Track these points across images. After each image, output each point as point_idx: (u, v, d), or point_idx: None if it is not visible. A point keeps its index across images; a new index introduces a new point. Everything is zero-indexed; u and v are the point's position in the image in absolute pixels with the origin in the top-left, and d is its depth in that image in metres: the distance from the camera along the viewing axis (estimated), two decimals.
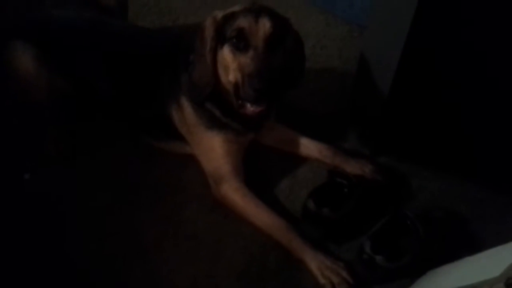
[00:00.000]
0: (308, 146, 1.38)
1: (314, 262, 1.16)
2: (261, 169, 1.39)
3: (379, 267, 1.13)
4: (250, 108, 1.16)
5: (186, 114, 1.28)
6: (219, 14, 1.18)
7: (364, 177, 1.31)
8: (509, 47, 1.22)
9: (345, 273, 1.15)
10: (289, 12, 1.67)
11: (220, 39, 1.17)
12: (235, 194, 1.26)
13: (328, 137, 1.43)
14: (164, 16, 1.88)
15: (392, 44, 1.14)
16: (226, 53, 1.16)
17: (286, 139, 1.41)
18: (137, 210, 1.31)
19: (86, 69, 1.38)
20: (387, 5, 1.10)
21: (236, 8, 1.18)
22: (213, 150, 1.28)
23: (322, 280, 1.15)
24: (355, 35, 1.79)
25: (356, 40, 1.75)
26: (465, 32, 1.21)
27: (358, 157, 1.36)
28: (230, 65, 1.16)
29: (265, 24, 1.13)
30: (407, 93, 1.29)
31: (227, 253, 1.23)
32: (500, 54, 1.25)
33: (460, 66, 1.27)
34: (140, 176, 1.38)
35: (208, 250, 1.24)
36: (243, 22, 1.13)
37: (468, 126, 1.39)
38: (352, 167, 1.32)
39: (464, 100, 1.33)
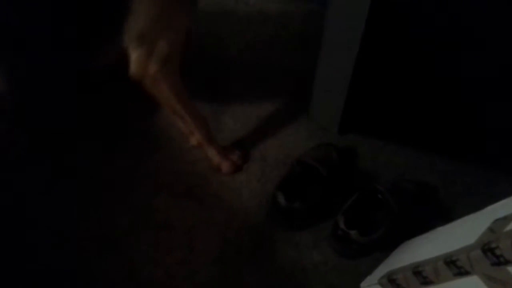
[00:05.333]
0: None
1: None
2: None
3: (354, 242, 1.14)
4: None
5: None
6: None
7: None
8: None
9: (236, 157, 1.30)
10: None
11: None
12: (170, 78, 1.13)
13: (291, 116, 1.43)
14: None
15: (355, 18, 1.12)
16: None
17: None
18: (106, 202, 1.27)
19: None
20: None
21: None
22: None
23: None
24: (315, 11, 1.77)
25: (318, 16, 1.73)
26: None
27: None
28: None
29: None
30: (372, 68, 1.29)
31: (201, 239, 1.22)
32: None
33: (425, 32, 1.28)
34: (106, 166, 1.33)
35: (181, 238, 1.22)
36: None
37: (433, 98, 1.41)
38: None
39: (429, 69, 1.34)
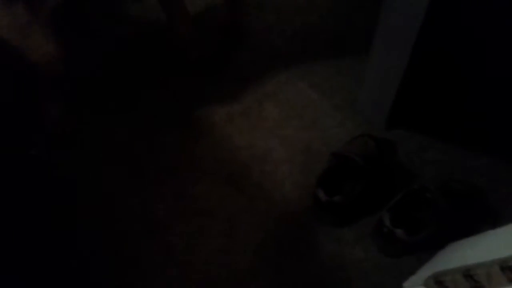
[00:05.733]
0: None
1: None
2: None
3: (399, 241, 1.11)
4: None
5: None
6: None
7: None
8: None
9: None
10: None
11: None
12: None
13: (337, 107, 1.39)
14: None
15: (414, 9, 1.08)
16: None
17: None
18: (148, 185, 1.28)
19: None
20: None
21: None
22: None
23: None
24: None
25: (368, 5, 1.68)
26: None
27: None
28: None
29: None
30: (426, 63, 1.24)
31: (242, 229, 1.20)
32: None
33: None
34: (150, 151, 1.34)
35: (221, 226, 1.21)
36: None
37: (481, 101, 1.35)
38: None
39: (484, 68, 1.28)
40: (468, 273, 0.85)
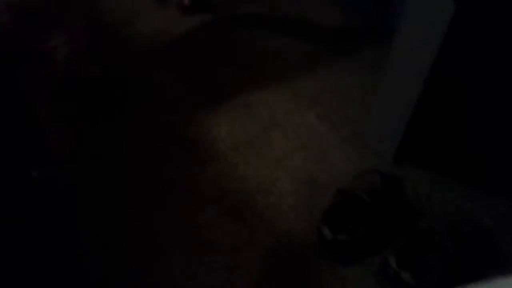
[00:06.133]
0: None
1: None
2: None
3: (405, 284, 1.09)
4: None
5: None
6: None
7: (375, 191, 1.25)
8: None
9: None
10: None
11: None
12: None
13: (344, 139, 1.38)
14: None
15: (428, 45, 1.07)
16: None
17: None
18: (152, 211, 1.25)
19: None
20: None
21: None
22: None
23: None
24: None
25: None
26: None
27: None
28: None
29: None
30: (437, 99, 1.22)
31: (244, 262, 1.18)
32: None
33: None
34: (155, 177, 1.32)
35: (224, 258, 1.18)
36: None
37: (491, 140, 1.33)
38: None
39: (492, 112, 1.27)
40: None
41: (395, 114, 1.25)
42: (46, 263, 1.15)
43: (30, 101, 1.32)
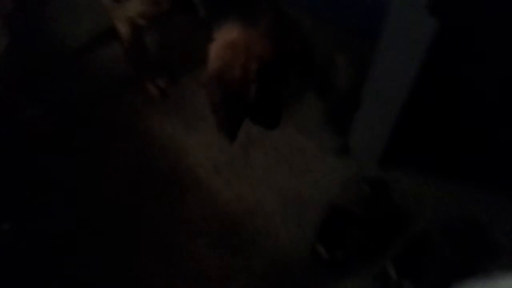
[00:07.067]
0: None
1: None
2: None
3: None
4: None
5: None
6: None
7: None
8: None
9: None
10: None
11: None
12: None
13: (327, 150, 1.33)
14: None
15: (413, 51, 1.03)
16: None
17: None
18: (131, 252, 1.19)
19: None
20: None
21: None
22: None
23: None
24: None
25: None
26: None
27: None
28: None
29: None
30: (420, 103, 1.19)
31: None
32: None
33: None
34: (132, 212, 1.25)
35: None
36: None
37: (478, 134, 1.31)
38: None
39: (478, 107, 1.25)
40: None
41: (378, 121, 1.21)
42: None
43: None
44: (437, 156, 1.30)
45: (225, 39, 0.92)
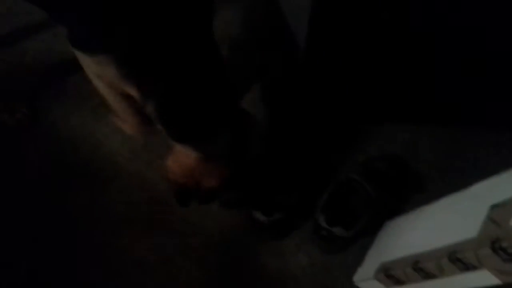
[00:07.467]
0: None
1: None
2: None
3: (339, 238, 1.10)
4: None
5: None
6: None
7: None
8: None
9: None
10: None
11: None
12: None
13: None
14: None
15: None
16: None
17: None
18: (77, 251, 1.15)
19: None
20: None
21: None
22: None
23: None
24: None
25: None
26: None
27: None
28: None
29: None
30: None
31: (182, 270, 1.13)
32: None
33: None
34: (58, 213, 1.19)
35: (159, 276, 1.12)
36: None
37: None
38: None
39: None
40: (417, 266, 0.86)
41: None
42: None
43: None
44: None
45: (181, 162, 0.89)
